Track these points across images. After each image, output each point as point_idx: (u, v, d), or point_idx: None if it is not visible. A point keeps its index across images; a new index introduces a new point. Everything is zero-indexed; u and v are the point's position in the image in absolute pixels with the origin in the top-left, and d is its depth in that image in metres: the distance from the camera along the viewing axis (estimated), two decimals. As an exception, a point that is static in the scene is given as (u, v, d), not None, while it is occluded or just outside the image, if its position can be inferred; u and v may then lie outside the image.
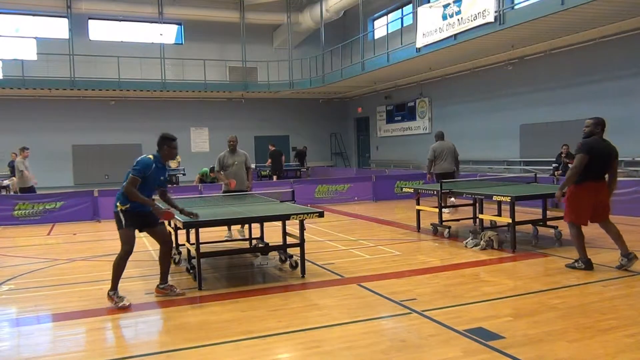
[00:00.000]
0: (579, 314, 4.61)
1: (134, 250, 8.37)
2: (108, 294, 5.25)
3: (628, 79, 12.97)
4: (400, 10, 21.57)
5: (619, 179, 11.51)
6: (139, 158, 5.40)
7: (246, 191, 8.62)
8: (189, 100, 24.03)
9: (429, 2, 16.24)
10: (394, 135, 23.14)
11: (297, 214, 6.05)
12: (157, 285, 5.61)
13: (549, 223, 7.94)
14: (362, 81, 21.15)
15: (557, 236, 7.86)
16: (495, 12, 12.58)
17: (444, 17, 14.26)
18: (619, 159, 13.18)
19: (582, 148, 6.01)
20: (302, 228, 6.27)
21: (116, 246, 8.74)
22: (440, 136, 11.85)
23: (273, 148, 19.79)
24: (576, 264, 6.20)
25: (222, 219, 6.20)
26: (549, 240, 7.96)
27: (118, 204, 5.43)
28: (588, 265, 6.08)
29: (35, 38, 20.51)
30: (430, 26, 14.85)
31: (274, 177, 18.74)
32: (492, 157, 17.31)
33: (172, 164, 19.16)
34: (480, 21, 12.97)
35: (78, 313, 5.09)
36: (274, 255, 7.18)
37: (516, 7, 13.01)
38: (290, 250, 6.77)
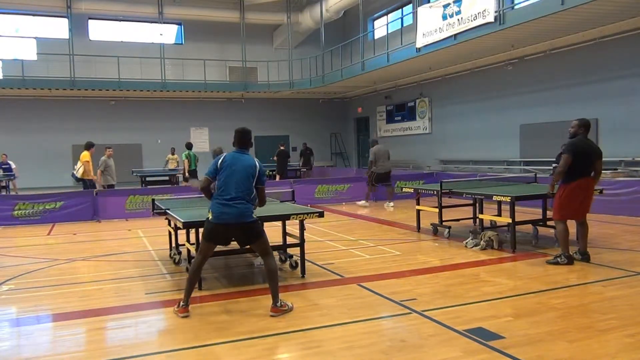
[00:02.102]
0: (579, 314, 4.61)
1: (135, 250, 8.46)
2: (276, 305, 4.80)
3: (628, 79, 12.97)
4: (400, 10, 21.57)
5: (619, 178, 11.66)
6: (259, 162, 5.05)
7: None
8: (189, 100, 24.03)
9: (429, 2, 16.24)
10: (394, 135, 23.14)
11: (297, 214, 6.06)
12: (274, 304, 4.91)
13: (549, 223, 7.94)
14: (362, 81, 21.15)
15: (557, 236, 7.85)
16: (495, 12, 12.58)
17: (444, 17, 14.25)
18: (619, 159, 13.33)
19: (567, 149, 6.39)
20: (302, 228, 6.27)
21: (115, 246, 8.82)
22: (376, 141, 14.15)
23: (282, 148, 19.82)
24: (559, 259, 6.43)
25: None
26: (549, 240, 7.95)
27: (254, 214, 4.97)
28: (570, 260, 6.39)
29: (35, 38, 20.50)
30: (430, 26, 14.84)
31: (277, 177, 18.74)
32: (492, 157, 17.31)
33: (171, 165, 19.15)
34: (480, 21, 12.96)
35: (78, 313, 5.09)
36: (274, 255, 7.17)
37: (516, 7, 13.01)
38: (290, 250, 6.78)
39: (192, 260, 5.09)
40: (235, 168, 4.84)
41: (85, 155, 12.78)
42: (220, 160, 4.91)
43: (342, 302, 5.18)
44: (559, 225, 6.52)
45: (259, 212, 6.65)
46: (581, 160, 6.32)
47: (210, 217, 4.85)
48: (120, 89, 21.29)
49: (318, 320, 4.65)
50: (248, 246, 5.19)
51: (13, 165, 18.38)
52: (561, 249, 6.50)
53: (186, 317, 4.79)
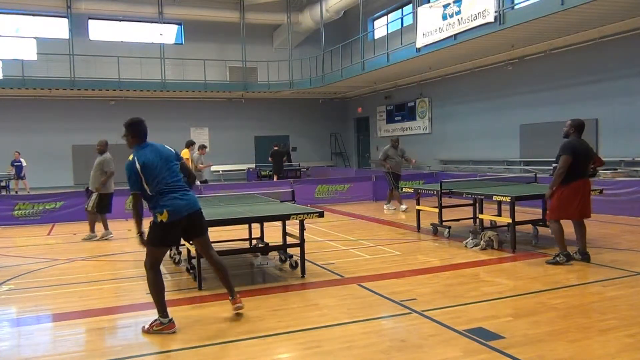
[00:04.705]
0: (579, 314, 4.61)
1: (135, 250, 8.45)
2: (235, 297, 4.78)
3: (628, 79, 12.97)
4: (400, 10, 21.58)
5: (619, 178, 11.66)
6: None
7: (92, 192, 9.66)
8: (189, 100, 24.03)
9: (429, 2, 16.24)
10: (394, 135, 23.12)
11: (297, 214, 6.05)
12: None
13: (549, 223, 7.93)
14: (362, 81, 21.15)
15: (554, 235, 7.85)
16: (495, 12, 12.58)
17: (444, 17, 14.25)
18: (618, 159, 13.33)
19: (566, 149, 6.33)
20: (302, 228, 6.27)
21: (115, 246, 8.81)
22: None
23: (276, 148, 19.77)
24: (558, 259, 6.44)
25: (221, 219, 6.19)
26: (549, 240, 7.94)
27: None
28: (569, 258, 6.41)
29: (35, 38, 20.51)
30: (430, 26, 14.84)
31: (275, 177, 18.74)
32: (492, 157, 17.31)
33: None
34: (480, 21, 12.97)
35: (78, 313, 5.09)
36: (274, 255, 7.18)
37: (516, 7, 13.01)
38: (290, 250, 6.77)
39: (148, 277, 4.68)
40: (162, 162, 4.50)
41: (185, 153, 13.06)
42: (138, 166, 4.40)
43: (342, 302, 5.18)
44: (553, 225, 6.55)
45: (260, 211, 6.69)
46: (580, 161, 6.32)
47: (165, 218, 4.45)
48: (120, 89, 21.30)
49: (318, 320, 4.64)
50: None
51: (24, 164, 18.47)
52: (559, 248, 6.52)
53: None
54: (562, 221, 6.51)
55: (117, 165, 9.97)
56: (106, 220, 9.80)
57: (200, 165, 13.08)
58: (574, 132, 6.47)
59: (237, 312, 4.77)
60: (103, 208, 9.64)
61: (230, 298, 4.81)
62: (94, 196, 9.56)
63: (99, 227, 9.75)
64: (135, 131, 4.60)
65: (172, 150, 4.70)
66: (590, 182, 6.60)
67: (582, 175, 6.38)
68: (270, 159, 19.49)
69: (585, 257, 6.52)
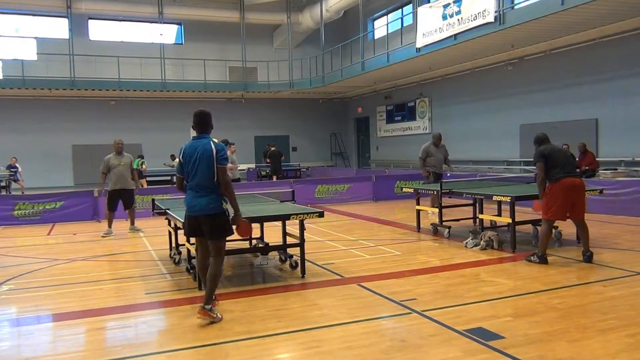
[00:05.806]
0: (579, 314, 4.61)
1: (135, 250, 8.46)
2: (204, 307, 4.59)
3: (628, 79, 12.98)
4: (400, 10, 21.59)
5: (619, 178, 11.67)
6: (220, 146, 4.75)
7: (132, 189, 10.09)
8: (189, 100, 24.02)
9: (429, 2, 16.25)
10: (394, 135, 23.15)
11: (297, 214, 6.05)
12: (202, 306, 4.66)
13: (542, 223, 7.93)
14: (362, 81, 21.16)
15: (557, 236, 7.86)
16: (495, 12, 12.59)
17: (444, 17, 14.26)
18: (618, 159, 13.34)
19: (536, 157, 6.58)
20: (302, 228, 6.26)
21: (115, 246, 8.81)
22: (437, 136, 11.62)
23: (273, 148, 19.69)
24: (532, 258, 6.57)
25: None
26: (550, 240, 7.93)
27: (223, 202, 4.74)
28: (543, 261, 6.48)
29: (35, 38, 20.53)
30: (430, 26, 14.86)
31: (274, 177, 18.72)
32: (492, 157, 17.32)
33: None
34: (480, 21, 12.98)
35: (78, 313, 5.09)
36: (274, 255, 7.18)
37: (516, 7, 13.02)
38: (290, 250, 6.77)
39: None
40: (194, 157, 4.67)
41: None
42: (181, 155, 4.81)
43: (342, 302, 5.18)
44: (544, 225, 6.62)
45: (260, 211, 6.68)
46: (556, 160, 6.41)
47: (185, 210, 4.88)
48: (120, 89, 21.31)
49: (318, 320, 4.64)
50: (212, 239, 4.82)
51: (19, 169, 18.54)
52: (538, 248, 6.58)
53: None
54: (565, 222, 6.52)
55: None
56: (112, 218, 10.10)
57: (230, 165, 13.12)
58: (539, 145, 6.69)
59: (198, 318, 4.60)
60: (112, 205, 10.00)
61: (200, 305, 4.65)
62: (135, 194, 10.14)
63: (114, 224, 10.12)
64: (193, 122, 4.86)
65: (213, 152, 4.63)
66: (581, 182, 6.58)
67: (566, 174, 6.39)
68: (267, 160, 19.40)
69: (587, 257, 6.50)
